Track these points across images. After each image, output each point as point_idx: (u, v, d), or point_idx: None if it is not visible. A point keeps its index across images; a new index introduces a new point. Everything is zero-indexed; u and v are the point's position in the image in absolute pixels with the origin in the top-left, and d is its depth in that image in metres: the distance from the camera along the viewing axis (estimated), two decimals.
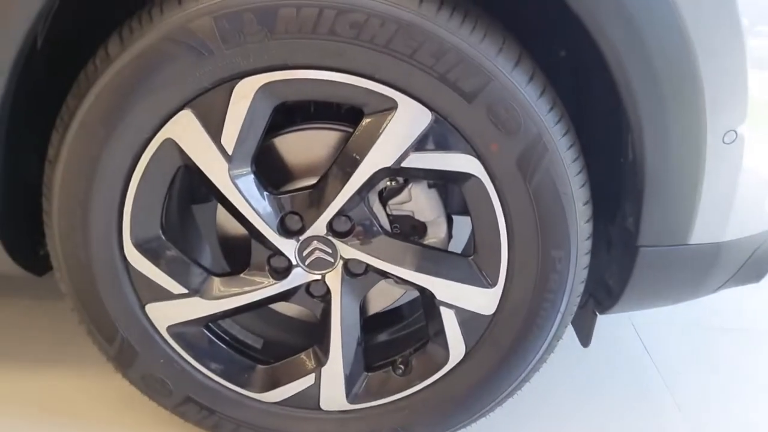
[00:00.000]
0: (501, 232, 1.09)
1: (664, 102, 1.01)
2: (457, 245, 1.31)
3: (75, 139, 1.05)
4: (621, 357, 1.74)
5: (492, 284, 1.14)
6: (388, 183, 1.17)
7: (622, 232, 1.17)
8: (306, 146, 1.15)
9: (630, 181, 1.10)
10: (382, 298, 1.31)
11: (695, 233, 1.11)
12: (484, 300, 1.15)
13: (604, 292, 1.25)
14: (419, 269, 1.15)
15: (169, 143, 1.05)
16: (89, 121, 1.04)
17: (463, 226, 1.24)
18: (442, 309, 1.16)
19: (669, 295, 1.26)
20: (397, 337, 1.38)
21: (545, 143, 1.03)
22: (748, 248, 1.19)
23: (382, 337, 1.39)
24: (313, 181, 1.13)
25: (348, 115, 1.14)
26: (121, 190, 1.08)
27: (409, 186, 1.17)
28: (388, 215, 1.19)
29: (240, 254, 1.21)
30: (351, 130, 1.09)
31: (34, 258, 1.25)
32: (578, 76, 1.22)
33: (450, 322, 1.17)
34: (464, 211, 1.15)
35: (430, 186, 1.19)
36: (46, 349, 1.63)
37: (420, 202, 1.19)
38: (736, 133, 1.05)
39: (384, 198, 1.18)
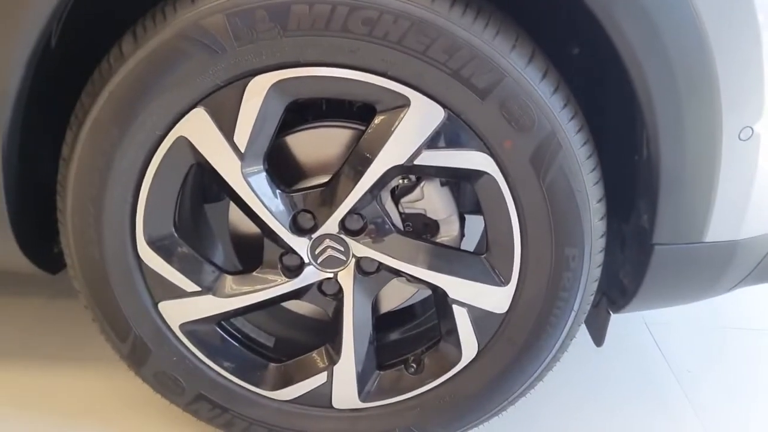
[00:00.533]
0: (514, 229, 1.09)
1: (680, 99, 1.00)
2: (469, 243, 1.30)
3: (89, 137, 1.06)
4: (633, 356, 1.73)
5: (505, 282, 1.13)
6: (401, 181, 1.16)
7: (637, 230, 1.16)
8: (318, 144, 1.15)
9: (645, 179, 1.09)
10: (395, 296, 1.31)
11: (711, 231, 1.10)
12: (496, 298, 1.15)
13: (618, 290, 1.24)
14: (431, 267, 1.15)
15: (182, 141, 1.05)
16: (103, 119, 1.04)
17: (475, 224, 1.24)
18: (455, 307, 1.16)
19: (684, 293, 1.25)
20: (409, 336, 1.38)
21: (559, 140, 1.02)
22: (764, 246, 1.18)
23: (395, 335, 1.38)
24: (325, 179, 1.13)
25: (360, 112, 1.14)
26: (134, 188, 1.08)
27: (422, 184, 1.17)
28: (400, 213, 1.18)
29: (252, 252, 1.21)
30: (363, 127, 1.09)
31: (48, 256, 1.25)
32: (592, 73, 1.21)
33: (462, 321, 1.17)
34: (477, 210, 1.14)
35: (442, 184, 1.18)
36: (59, 347, 1.63)
37: (432, 200, 1.18)
38: (752, 129, 1.03)
39: (396, 196, 1.18)
